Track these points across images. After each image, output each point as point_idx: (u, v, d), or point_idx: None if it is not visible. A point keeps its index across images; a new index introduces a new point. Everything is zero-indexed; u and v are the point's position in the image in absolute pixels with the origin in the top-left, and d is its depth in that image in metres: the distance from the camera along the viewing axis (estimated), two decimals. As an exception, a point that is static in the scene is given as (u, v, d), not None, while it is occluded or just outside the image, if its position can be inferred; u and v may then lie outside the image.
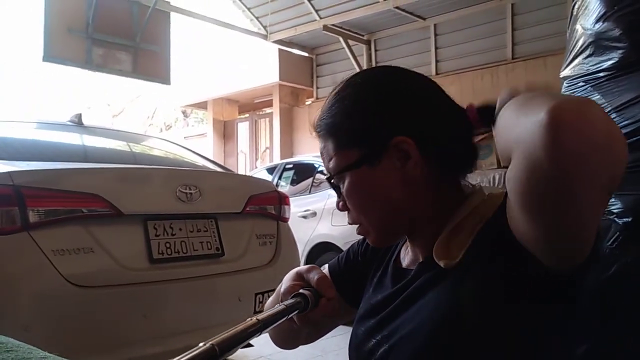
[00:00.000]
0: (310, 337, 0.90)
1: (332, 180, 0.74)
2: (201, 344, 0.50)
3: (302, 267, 0.78)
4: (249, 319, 0.60)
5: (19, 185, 1.89)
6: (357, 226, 0.74)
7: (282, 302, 0.70)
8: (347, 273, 0.87)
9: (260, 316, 0.61)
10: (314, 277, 0.74)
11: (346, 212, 0.74)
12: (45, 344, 1.54)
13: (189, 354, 0.48)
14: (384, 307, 0.73)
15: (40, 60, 6.22)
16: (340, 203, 0.73)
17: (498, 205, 0.65)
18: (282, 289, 0.76)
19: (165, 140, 3.56)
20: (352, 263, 0.88)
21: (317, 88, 9.73)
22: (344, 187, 0.72)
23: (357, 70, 8.55)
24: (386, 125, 0.69)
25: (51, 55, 6.25)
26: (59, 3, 6.26)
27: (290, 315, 0.67)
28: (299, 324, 0.73)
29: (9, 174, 1.91)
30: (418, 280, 0.69)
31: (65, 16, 6.27)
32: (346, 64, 8.93)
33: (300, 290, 0.72)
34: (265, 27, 8.97)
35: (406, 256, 0.78)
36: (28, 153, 2.33)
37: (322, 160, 0.77)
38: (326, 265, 0.91)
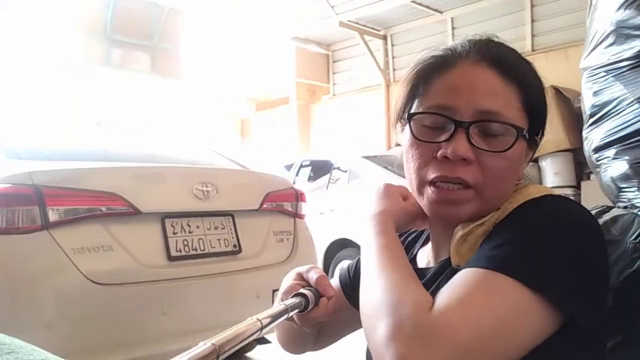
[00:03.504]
0: (320, 342, 0.89)
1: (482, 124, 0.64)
2: (201, 344, 0.50)
3: (302, 267, 0.77)
4: (249, 318, 0.59)
5: (38, 184, 1.92)
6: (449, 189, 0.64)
7: (282, 301, 0.69)
8: (357, 283, 0.86)
9: (261, 316, 0.61)
10: (313, 276, 0.73)
11: (452, 167, 0.63)
12: (66, 341, 1.57)
13: (189, 353, 0.48)
14: None
15: (61, 62, 6.32)
16: (470, 155, 0.63)
17: (515, 207, 0.64)
18: (282, 289, 0.76)
19: (183, 138, 3.58)
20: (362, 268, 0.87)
21: (334, 84, 9.71)
22: (506, 146, 0.63)
23: (375, 65, 8.52)
24: (545, 119, 0.70)
25: (71, 56, 6.35)
26: (78, 6, 6.36)
27: (290, 314, 0.66)
28: (300, 324, 0.72)
29: (29, 173, 1.94)
30: (437, 279, 0.69)
31: (84, 19, 6.36)
32: (363, 59, 8.89)
33: (301, 290, 0.71)
34: (281, 25, 8.98)
35: (424, 258, 0.78)
36: (47, 152, 2.36)
37: (469, 88, 0.64)
38: (336, 277, 0.90)
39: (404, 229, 0.76)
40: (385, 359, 0.52)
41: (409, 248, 0.83)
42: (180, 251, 2.21)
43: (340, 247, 4.73)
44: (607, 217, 0.94)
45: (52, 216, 1.92)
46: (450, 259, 0.66)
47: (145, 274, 2.07)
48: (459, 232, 0.66)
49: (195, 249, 2.26)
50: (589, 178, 5.32)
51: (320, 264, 4.57)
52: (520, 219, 0.62)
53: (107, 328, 1.96)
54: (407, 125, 0.68)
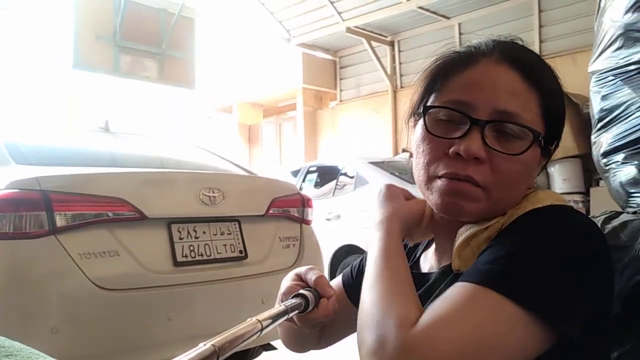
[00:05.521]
0: (324, 342, 0.89)
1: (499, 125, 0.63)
2: (201, 345, 0.50)
3: (301, 267, 0.77)
4: (249, 319, 0.60)
5: (46, 190, 1.93)
6: (457, 183, 0.63)
7: (282, 302, 0.70)
8: (359, 283, 0.85)
9: (260, 317, 0.61)
10: (312, 277, 0.73)
11: (463, 165, 0.62)
12: (72, 346, 1.56)
13: (189, 354, 0.48)
14: None
15: (70, 67, 6.37)
16: (483, 154, 0.62)
17: (520, 214, 0.63)
18: (281, 290, 0.76)
19: (189, 143, 3.59)
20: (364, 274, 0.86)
21: (341, 90, 9.72)
22: (521, 150, 0.62)
23: (381, 71, 8.53)
24: (562, 128, 0.69)
25: (80, 62, 6.39)
26: (88, 11, 6.40)
27: (290, 315, 0.66)
28: (300, 325, 0.72)
29: (37, 179, 1.95)
30: (439, 285, 0.68)
31: (93, 24, 6.41)
32: (370, 65, 8.90)
33: (301, 291, 0.71)
34: (288, 31, 9.01)
35: (426, 262, 0.77)
36: (55, 158, 2.38)
37: (490, 86, 0.63)
38: (339, 277, 0.90)
39: (412, 231, 0.74)
40: None
41: (412, 251, 0.82)
42: (187, 256, 2.21)
43: (347, 253, 4.71)
44: (615, 222, 0.93)
45: (60, 221, 1.93)
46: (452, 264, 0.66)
47: (151, 279, 2.07)
48: (461, 235, 0.65)
49: (202, 255, 2.26)
50: (598, 184, 5.28)
51: (326, 270, 4.56)
52: (520, 231, 0.60)
53: (113, 333, 1.96)
54: (421, 119, 0.67)
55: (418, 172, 0.67)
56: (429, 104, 0.67)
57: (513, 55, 0.65)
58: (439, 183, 0.64)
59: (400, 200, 0.73)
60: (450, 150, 0.63)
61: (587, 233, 0.60)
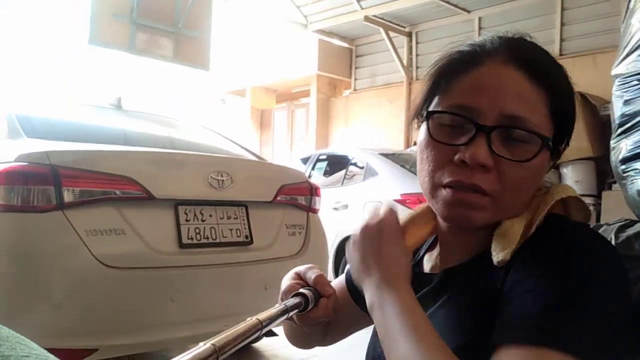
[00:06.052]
0: (328, 339, 0.89)
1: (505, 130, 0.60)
2: (201, 344, 0.50)
3: (300, 266, 0.77)
4: (249, 318, 0.59)
5: (55, 164, 1.93)
6: (463, 192, 0.60)
7: (282, 301, 0.69)
8: None
9: (261, 316, 0.61)
10: (311, 276, 0.72)
11: (469, 172, 0.59)
12: (74, 321, 1.56)
13: (189, 353, 0.48)
14: None
15: (86, 44, 6.37)
16: (490, 162, 0.59)
17: (548, 213, 0.62)
18: (282, 289, 0.75)
19: (201, 126, 3.58)
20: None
21: (356, 79, 9.65)
22: (529, 155, 0.60)
23: (398, 62, 8.45)
24: (572, 128, 0.66)
25: (96, 39, 6.39)
26: (106, -13, 6.39)
27: (290, 315, 0.66)
28: (300, 324, 0.72)
29: (47, 153, 1.95)
30: (445, 287, 0.67)
31: (111, 2, 6.40)
32: (386, 55, 8.82)
33: (301, 290, 0.70)
34: (305, 17, 8.94)
35: (429, 262, 0.75)
36: (66, 133, 2.38)
37: (495, 90, 0.60)
38: (342, 276, 0.89)
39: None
40: None
41: (415, 251, 0.80)
42: (192, 239, 2.21)
43: (353, 243, 4.70)
44: (630, 231, 0.90)
45: (67, 197, 1.93)
46: (492, 257, 0.62)
47: (155, 260, 2.08)
48: (500, 253, 0.60)
49: (207, 238, 2.26)
50: (610, 188, 5.22)
51: (331, 259, 4.55)
52: (561, 265, 0.55)
53: (115, 311, 1.97)
54: (425, 124, 0.65)
55: (423, 179, 0.65)
56: (432, 107, 0.65)
57: (520, 54, 0.63)
58: (444, 193, 0.62)
59: (399, 247, 0.65)
60: (456, 158, 0.60)
61: (618, 262, 0.57)
